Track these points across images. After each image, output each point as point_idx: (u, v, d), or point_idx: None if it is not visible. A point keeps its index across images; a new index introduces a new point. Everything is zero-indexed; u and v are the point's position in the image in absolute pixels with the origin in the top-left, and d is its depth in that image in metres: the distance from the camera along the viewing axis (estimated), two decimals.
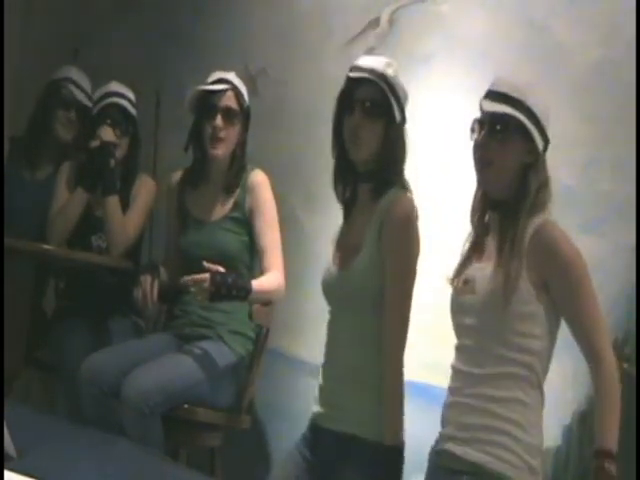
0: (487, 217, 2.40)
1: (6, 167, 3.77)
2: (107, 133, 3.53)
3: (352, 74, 2.60)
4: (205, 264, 2.92)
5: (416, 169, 3.68)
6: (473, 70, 3.55)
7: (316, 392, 2.64)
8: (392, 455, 2.43)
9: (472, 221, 2.43)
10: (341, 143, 2.62)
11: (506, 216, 2.31)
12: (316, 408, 2.60)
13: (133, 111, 3.65)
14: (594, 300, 2.24)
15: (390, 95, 2.57)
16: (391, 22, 3.84)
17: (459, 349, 2.37)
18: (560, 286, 2.24)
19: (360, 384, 2.51)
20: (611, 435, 2.18)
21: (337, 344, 2.58)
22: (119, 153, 3.59)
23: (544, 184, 2.33)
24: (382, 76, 2.57)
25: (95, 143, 3.51)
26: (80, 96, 3.75)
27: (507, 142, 2.30)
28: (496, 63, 3.41)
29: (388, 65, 2.60)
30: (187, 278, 2.92)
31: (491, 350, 2.27)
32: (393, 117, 2.59)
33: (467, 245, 2.43)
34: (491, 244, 2.36)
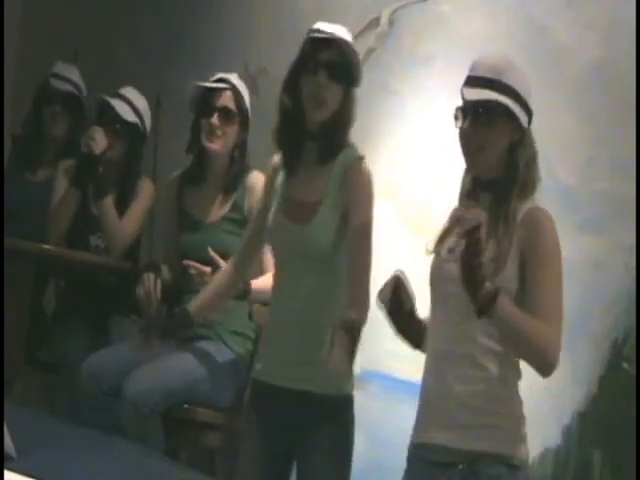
0: (477, 194, 2.38)
1: (7, 167, 3.77)
2: (97, 138, 3.50)
3: (315, 35, 2.65)
4: (211, 253, 2.95)
5: (417, 168, 3.72)
6: None
7: (265, 349, 2.67)
8: (348, 402, 2.60)
9: (461, 195, 2.41)
10: (295, 101, 2.64)
11: (498, 195, 2.31)
12: (267, 367, 2.63)
13: (130, 117, 3.61)
14: (557, 289, 2.25)
15: (353, 59, 2.65)
16: (391, 22, 3.84)
17: (435, 326, 2.34)
18: (531, 265, 2.24)
19: (320, 341, 2.51)
20: (509, 310, 2.16)
21: (292, 300, 2.60)
22: (116, 154, 3.58)
23: (532, 158, 2.33)
24: (344, 41, 2.65)
25: (84, 149, 3.50)
26: (63, 86, 3.73)
27: (493, 125, 2.29)
28: None
29: (347, 32, 2.68)
30: (190, 263, 2.95)
31: (472, 323, 2.23)
32: (353, 81, 2.66)
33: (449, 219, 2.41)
34: None
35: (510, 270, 2.26)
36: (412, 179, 3.71)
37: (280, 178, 2.70)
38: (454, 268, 2.26)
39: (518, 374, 2.31)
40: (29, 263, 3.42)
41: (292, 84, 2.66)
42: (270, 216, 2.67)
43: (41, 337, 3.58)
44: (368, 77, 3.68)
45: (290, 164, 2.68)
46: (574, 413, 3.21)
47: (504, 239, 2.26)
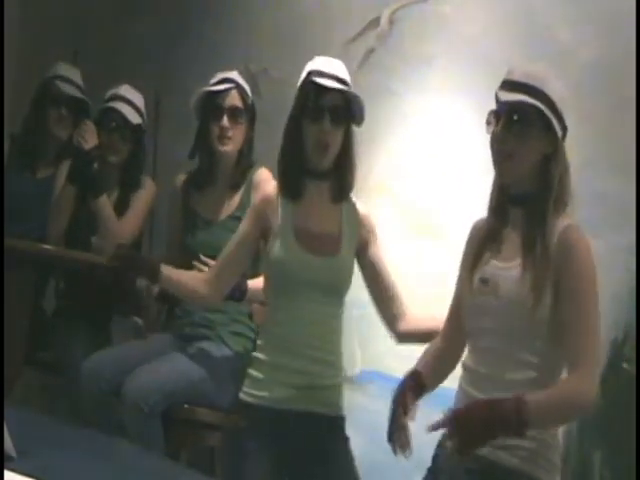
0: (506, 210, 2.31)
1: (7, 167, 3.77)
2: (87, 135, 3.50)
3: (319, 80, 2.62)
4: (202, 259, 2.98)
5: (417, 169, 3.72)
6: (474, 70, 3.56)
7: (267, 375, 2.63)
8: (343, 422, 2.67)
9: (490, 209, 2.34)
10: (297, 145, 2.65)
11: (531, 213, 2.24)
12: (280, 392, 2.60)
13: (135, 119, 3.62)
14: (594, 315, 2.17)
15: (353, 101, 2.64)
16: (391, 22, 3.84)
17: (477, 351, 2.29)
18: (566, 289, 2.17)
19: (334, 367, 2.66)
20: (538, 408, 2.08)
21: (299, 326, 2.62)
22: (118, 158, 3.59)
23: (564, 173, 2.28)
24: (345, 82, 2.64)
25: (75, 145, 3.50)
26: (70, 90, 3.74)
27: (526, 132, 2.23)
28: (497, 63, 3.40)
29: (344, 68, 2.67)
30: (198, 265, 2.98)
31: (515, 355, 2.20)
32: (355, 121, 2.68)
33: (481, 237, 2.34)
34: (511, 241, 2.27)
35: (551, 297, 2.18)
36: (412, 179, 3.71)
37: (280, 210, 2.69)
38: (490, 302, 2.23)
39: None
40: (29, 263, 3.42)
41: (294, 128, 2.66)
42: (277, 246, 2.65)
43: (41, 337, 3.58)
44: (368, 78, 3.70)
45: (294, 200, 2.69)
46: None
47: (542, 264, 2.17)
